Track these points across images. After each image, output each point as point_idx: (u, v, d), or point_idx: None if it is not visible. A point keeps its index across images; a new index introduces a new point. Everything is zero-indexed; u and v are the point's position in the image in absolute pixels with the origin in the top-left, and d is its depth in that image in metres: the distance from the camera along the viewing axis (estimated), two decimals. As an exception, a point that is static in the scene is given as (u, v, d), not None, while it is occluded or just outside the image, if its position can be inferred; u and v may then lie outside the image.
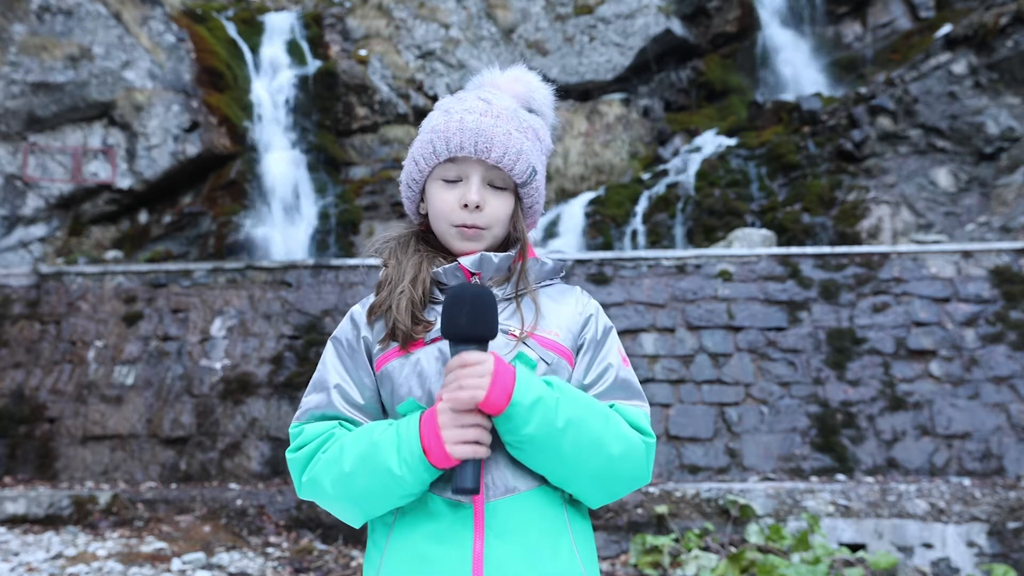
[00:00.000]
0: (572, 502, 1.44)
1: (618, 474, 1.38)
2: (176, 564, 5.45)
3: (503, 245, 1.53)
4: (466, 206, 1.45)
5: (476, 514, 1.34)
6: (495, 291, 1.47)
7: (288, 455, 1.45)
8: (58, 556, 5.57)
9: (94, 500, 6.69)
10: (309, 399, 1.48)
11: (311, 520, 6.56)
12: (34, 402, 8.05)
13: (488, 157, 1.43)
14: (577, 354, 1.48)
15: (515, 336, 1.42)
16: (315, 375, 1.50)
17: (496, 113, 1.47)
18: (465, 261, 1.45)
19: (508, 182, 1.48)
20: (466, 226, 1.46)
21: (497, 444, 1.36)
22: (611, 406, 1.42)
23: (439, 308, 1.43)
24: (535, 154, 1.49)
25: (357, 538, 6.39)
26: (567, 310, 1.49)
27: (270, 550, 6.09)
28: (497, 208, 1.47)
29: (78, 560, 5.45)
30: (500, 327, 1.40)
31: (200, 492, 6.97)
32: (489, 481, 1.36)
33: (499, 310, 1.44)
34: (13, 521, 6.59)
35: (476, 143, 1.43)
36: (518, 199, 1.51)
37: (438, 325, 1.39)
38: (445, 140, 1.45)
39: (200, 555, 5.63)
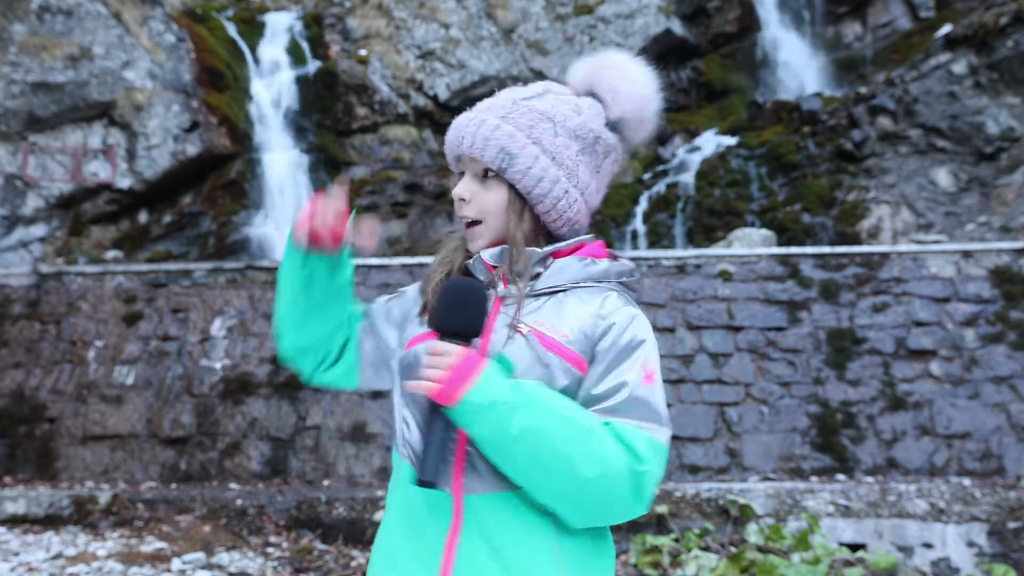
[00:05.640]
0: None
1: (590, 498, 1.27)
2: (176, 564, 5.45)
3: (534, 240, 1.47)
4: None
5: (455, 508, 1.33)
6: (510, 288, 1.44)
7: None
8: (58, 556, 5.57)
9: (94, 500, 6.69)
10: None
11: (311, 520, 6.56)
12: (34, 402, 8.05)
13: (461, 148, 1.46)
14: (592, 362, 1.38)
15: (520, 332, 1.38)
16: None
17: (486, 107, 1.47)
18: (485, 254, 1.45)
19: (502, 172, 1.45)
20: (463, 221, 1.49)
21: None
22: (606, 424, 1.30)
23: None
24: (518, 139, 1.42)
25: (357, 538, 6.39)
26: (585, 312, 1.40)
27: (270, 550, 6.09)
28: (485, 199, 1.45)
29: (78, 560, 5.45)
30: (511, 322, 1.39)
31: (200, 492, 6.97)
32: (471, 474, 1.33)
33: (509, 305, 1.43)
34: (13, 521, 6.59)
35: (458, 139, 1.46)
36: (514, 190, 1.46)
37: None
38: (447, 146, 1.51)
39: (200, 555, 5.63)
